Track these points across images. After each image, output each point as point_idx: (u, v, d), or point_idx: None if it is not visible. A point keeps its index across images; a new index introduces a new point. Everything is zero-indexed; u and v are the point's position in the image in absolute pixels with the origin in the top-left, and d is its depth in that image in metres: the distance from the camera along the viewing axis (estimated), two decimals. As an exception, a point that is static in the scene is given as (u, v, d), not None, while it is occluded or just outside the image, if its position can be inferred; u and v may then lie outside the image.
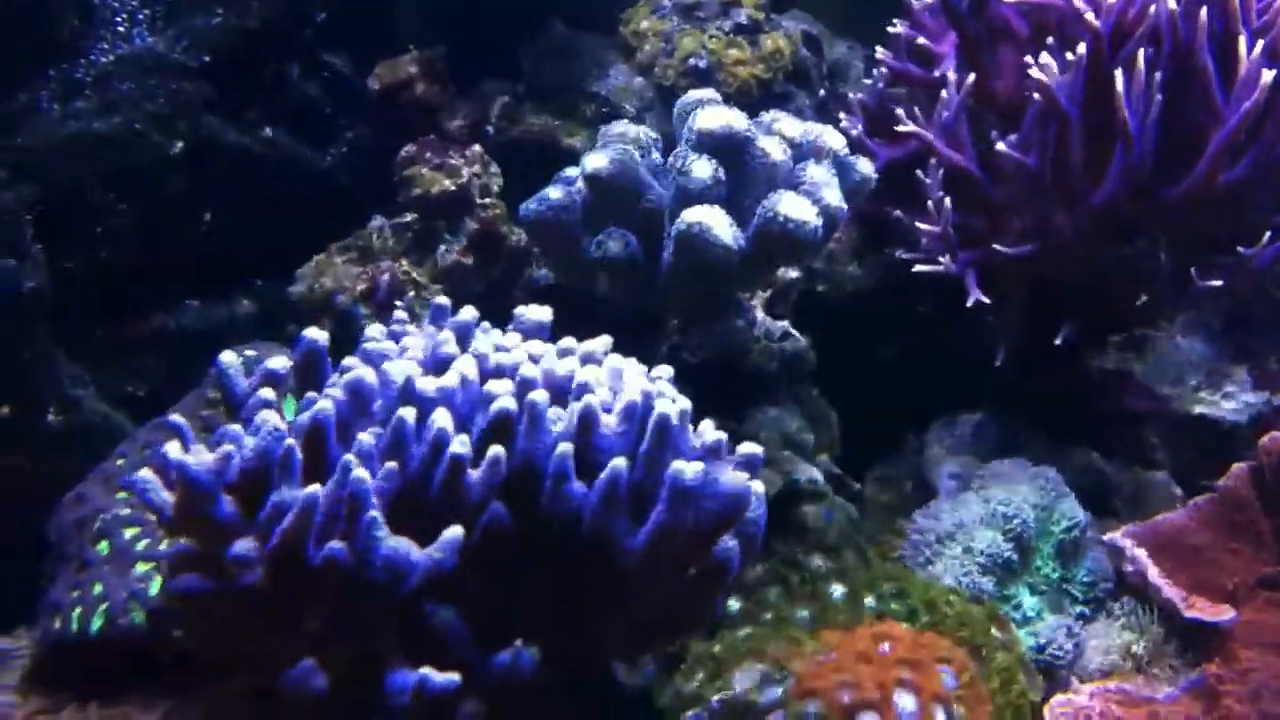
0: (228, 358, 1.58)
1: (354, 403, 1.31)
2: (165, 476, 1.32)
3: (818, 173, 1.83)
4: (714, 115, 1.80)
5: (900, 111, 2.15)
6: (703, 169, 1.77)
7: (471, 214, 2.17)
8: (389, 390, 1.32)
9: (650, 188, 1.83)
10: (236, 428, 1.33)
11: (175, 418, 1.54)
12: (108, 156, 2.14)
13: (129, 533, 1.84)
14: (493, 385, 1.32)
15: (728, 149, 1.80)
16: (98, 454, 2.15)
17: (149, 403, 2.34)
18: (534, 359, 1.37)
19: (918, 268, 2.12)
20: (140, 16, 2.32)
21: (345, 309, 2.11)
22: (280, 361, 1.58)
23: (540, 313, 1.54)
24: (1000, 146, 2.12)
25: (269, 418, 1.27)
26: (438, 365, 1.37)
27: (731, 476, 1.34)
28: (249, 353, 2.08)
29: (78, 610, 1.77)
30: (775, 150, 1.81)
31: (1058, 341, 2.09)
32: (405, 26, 2.69)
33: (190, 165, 2.29)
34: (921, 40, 2.35)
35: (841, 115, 2.33)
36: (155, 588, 1.75)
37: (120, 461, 2.01)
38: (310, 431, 1.27)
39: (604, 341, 1.44)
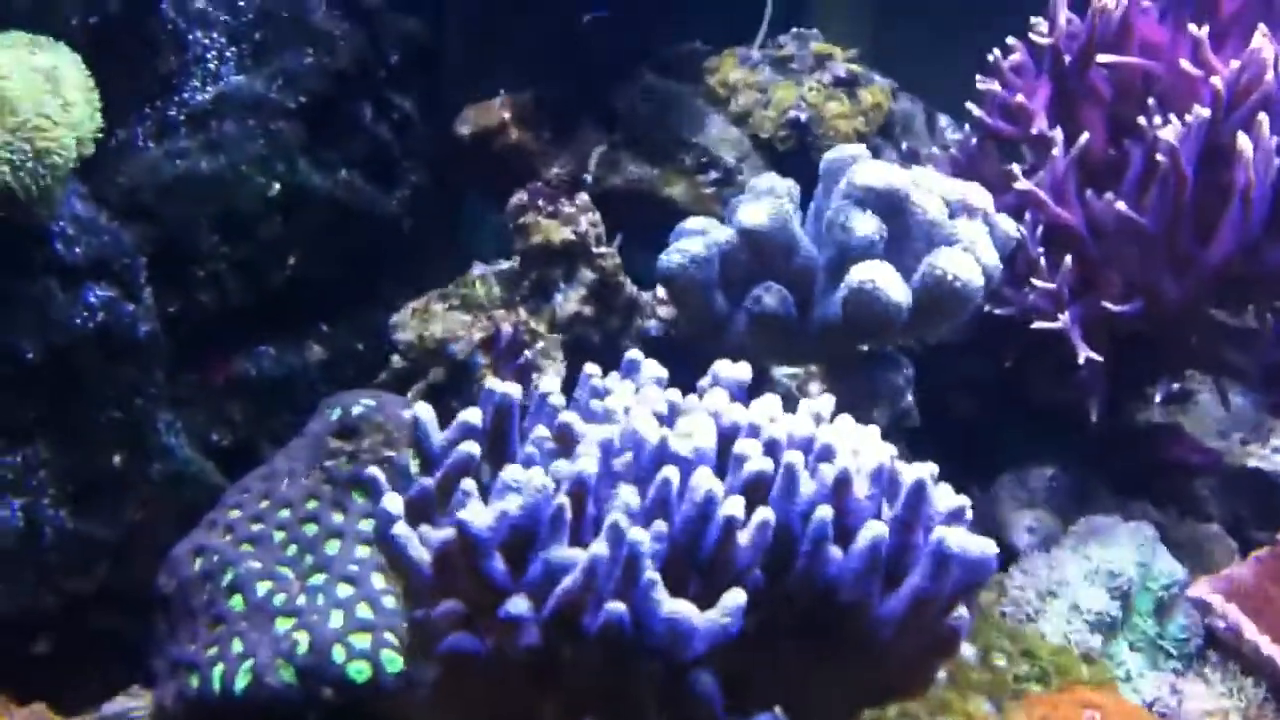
0: (423, 411, 1.53)
1: (604, 462, 1.26)
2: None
3: (972, 230, 1.82)
4: (875, 171, 1.79)
5: (1014, 167, 2.17)
6: (867, 225, 1.75)
7: (589, 263, 2.13)
8: (640, 450, 1.28)
9: (802, 242, 1.81)
10: (469, 484, 1.28)
11: (372, 471, 1.49)
12: (215, 198, 2.07)
13: (263, 587, 1.79)
14: (743, 446, 1.28)
15: (887, 205, 1.79)
16: (192, 504, 2.08)
17: (235, 451, 2.27)
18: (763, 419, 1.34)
19: (1037, 325, 2.12)
20: (229, 54, 2.26)
21: (462, 358, 2.05)
22: (474, 415, 1.53)
23: (740, 371, 1.50)
24: (1120, 206, 2.13)
25: (534, 476, 1.22)
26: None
27: (979, 542, 1.31)
28: (367, 401, 2.02)
29: (219, 668, 1.71)
30: (932, 207, 1.80)
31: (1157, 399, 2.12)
32: (473, 68, 2.65)
33: (283, 208, 2.22)
34: (1017, 98, 2.36)
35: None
36: (304, 646, 1.69)
37: (235, 513, 1.94)
38: (573, 490, 1.22)
39: (827, 402, 1.41)
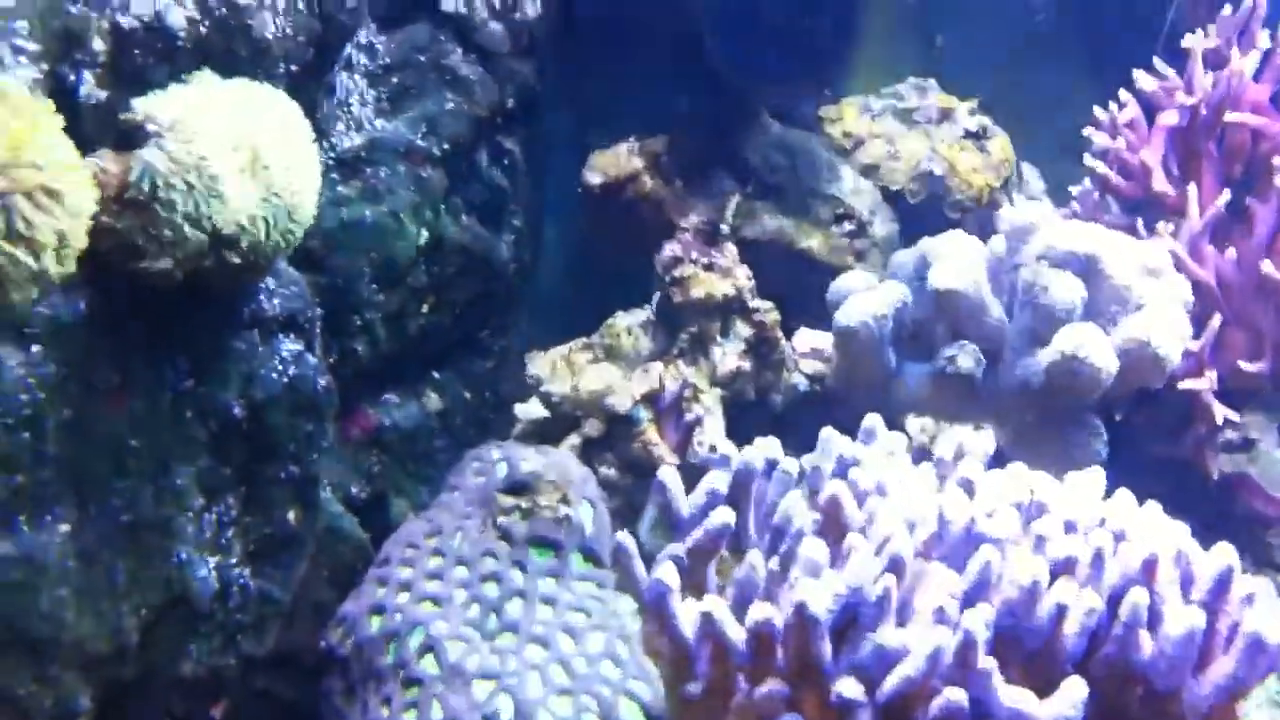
0: (668, 475, 1.52)
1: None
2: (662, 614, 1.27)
3: (1159, 292, 1.83)
4: (1071, 233, 1.79)
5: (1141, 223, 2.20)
6: (1069, 289, 1.76)
7: (745, 317, 2.12)
8: (945, 529, 1.27)
9: (991, 302, 1.81)
10: (759, 567, 1.26)
11: (623, 538, 1.48)
12: (378, 246, 2.03)
13: (455, 649, 1.75)
14: (1044, 527, 1.27)
15: (1082, 267, 1.79)
16: (339, 560, 2.05)
17: (367, 506, 2.23)
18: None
19: (1186, 384, 2.13)
20: (369, 98, 2.23)
21: (622, 412, 2.03)
22: (721, 480, 1.52)
23: (986, 441, 1.50)
24: (1267, 266, 2.15)
25: (865, 552, 1.20)
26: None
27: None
28: (536, 457, 2.00)
29: (421, 733, 1.66)
30: (1122, 270, 1.81)
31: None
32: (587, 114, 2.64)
33: (427, 256, 2.19)
34: (1141, 155, 2.39)
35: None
36: (508, 712, 1.67)
37: (406, 571, 1.92)
38: (890, 570, 1.21)
39: (1098, 476, 1.41)
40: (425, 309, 2.28)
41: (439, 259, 2.27)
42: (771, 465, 1.54)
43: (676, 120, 2.48)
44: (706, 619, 1.23)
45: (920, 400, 1.92)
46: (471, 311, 2.40)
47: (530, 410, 2.31)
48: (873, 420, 1.52)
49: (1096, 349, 1.70)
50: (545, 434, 2.22)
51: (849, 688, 1.18)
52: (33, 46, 1.25)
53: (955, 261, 1.81)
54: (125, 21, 1.41)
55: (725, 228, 2.32)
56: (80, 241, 1.17)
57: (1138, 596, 1.24)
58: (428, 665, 1.75)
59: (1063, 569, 1.26)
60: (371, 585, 1.91)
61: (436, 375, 2.40)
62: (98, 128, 1.43)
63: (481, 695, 1.71)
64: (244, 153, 1.45)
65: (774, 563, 1.37)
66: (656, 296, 2.63)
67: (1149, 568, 1.27)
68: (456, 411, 2.41)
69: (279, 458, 1.80)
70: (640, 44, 2.53)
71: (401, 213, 2.12)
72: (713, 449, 2.05)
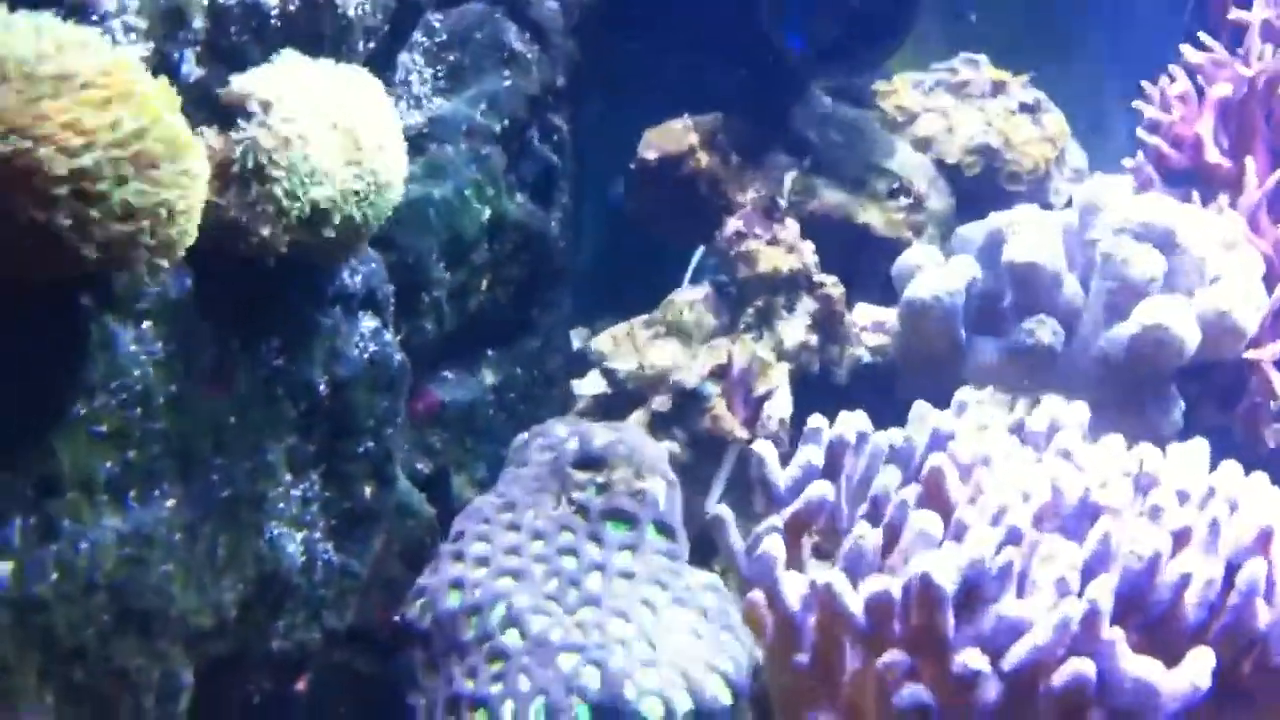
0: (765, 449, 1.52)
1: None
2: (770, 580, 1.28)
3: (1234, 264, 1.83)
4: (1151, 207, 1.79)
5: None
6: (1149, 261, 1.76)
7: (810, 291, 2.12)
8: (1059, 500, 1.27)
9: (1067, 275, 1.81)
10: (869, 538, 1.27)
11: (720, 511, 1.49)
12: (446, 225, 2.03)
13: (538, 623, 1.76)
14: (1159, 498, 1.28)
15: (1160, 240, 1.79)
16: (409, 535, 2.05)
17: (429, 482, 2.23)
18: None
19: (1250, 355, 2.13)
20: (427, 76, 2.23)
21: (691, 387, 2.03)
22: (816, 455, 1.52)
23: (1080, 412, 1.50)
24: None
25: (982, 524, 1.20)
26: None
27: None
28: (607, 432, 2.00)
29: (509, 705, 1.69)
30: (1197, 243, 1.81)
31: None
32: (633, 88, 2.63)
33: (489, 234, 2.19)
34: (1197, 127, 2.39)
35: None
36: (596, 683, 1.68)
37: (482, 545, 1.92)
38: (1008, 542, 1.21)
39: (1202, 447, 1.41)
40: (484, 286, 2.28)
41: (498, 237, 2.26)
42: (863, 438, 1.55)
43: (724, 96, 2.47)
44: (827, 590, 1.24)
45: (990, 374, 1.92)
46: (524, 289, 2.40)
47: (586, 386, 2.31)
48: (964, 394, 1.52)
49: (1180, 321, 1.71)
50: (608, 410, 2.22)
51: (974, 659, 1.18)
52: (142, 24, 1.25)
53: (1033, 236, 1.82)
54: (223, -2, 1.40)
55: (783, 202, 2.32)
56: (199, 217, 1.17)
57: (1255, 567, 1.25)
58: (511, 638, 1.76)
59: (1178, 539, 1.26)
60: (448, 560, 1.91)
61: (490, 353, 2.40)
62: (195, 105, 1.42)
63: (567, 667, 1.72)
64: (339, 131, 1.44)
65: (876, 535, 1.38)
66: (690, 266, 2.65)
67: (1265, 538, 1.27)
68: (510, 388, 2.41)
69: (358, 434, 1.80)
70: (682, 21, 2.52)
71: (466, 190, 2.11)
72: (782, 422, 2.05)
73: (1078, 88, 2.80)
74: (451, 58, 2.24)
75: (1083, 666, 1.16)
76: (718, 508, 1.49)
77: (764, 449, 1.50)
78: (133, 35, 1.22)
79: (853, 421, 1.54)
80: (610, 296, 2.63)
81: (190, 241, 1.15)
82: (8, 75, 0.99)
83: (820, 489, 1.44)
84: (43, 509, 1.18)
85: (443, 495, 2.25)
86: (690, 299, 2.20)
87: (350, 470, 1.80)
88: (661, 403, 2.07)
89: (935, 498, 1.40)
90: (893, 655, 1.21)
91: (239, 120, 1.39)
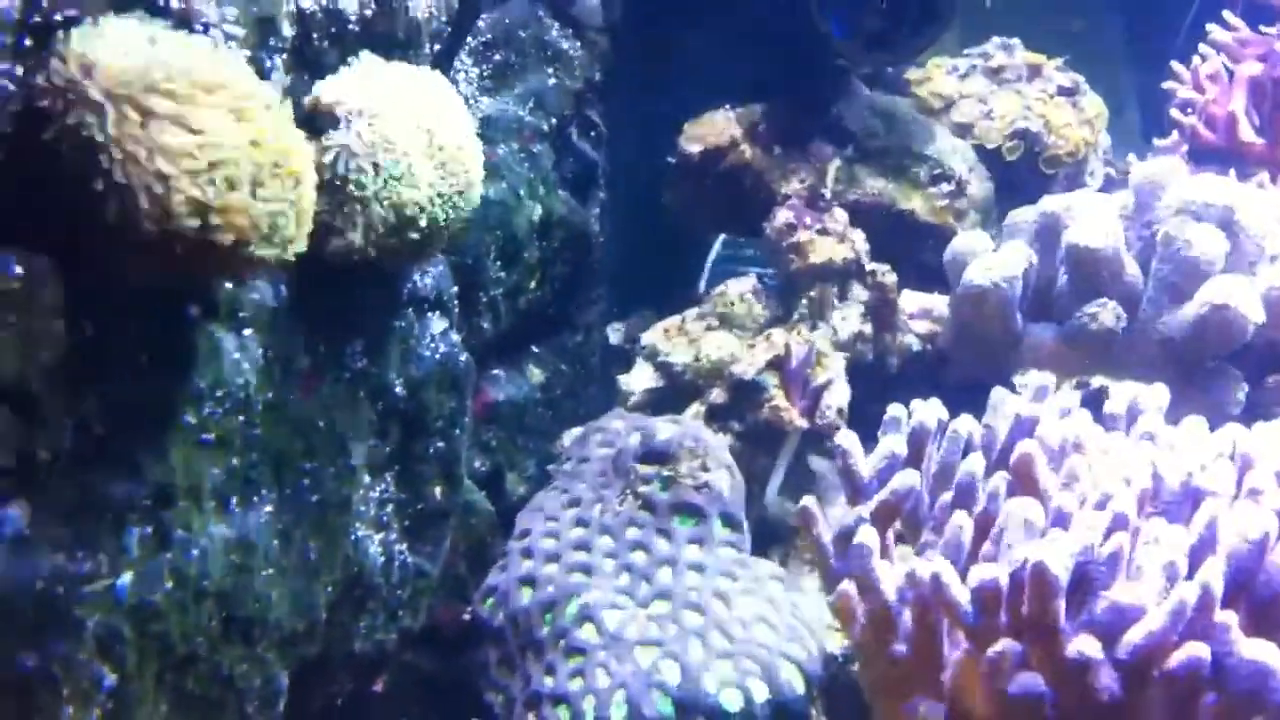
0: (847, 440, 1.53)
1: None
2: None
3: (1292, 245, 1.84)
4: (1210, 187, 1.80)
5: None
6: (1212, 243, 1.77)
7: (862, 280, 2.13)
8: (1160, 485, 1.28)
9: (1127, 257, 1.82)
10: (967, 528, 1.28)
11: (809, 502, 1.49)
12: (501, 224, 2.04)
13: (612, 618, 1.77)
14: (1257, 479, 1.29)
15: (1220, 220, 1.80)
16: (472, 533, 2.07)
17: (492, 478, 2.24)
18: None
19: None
20: (472, 75, 2.23)
21: (748, 379, 2.04)
22: (899, 444, 1.53)
23: (1160, 395, 1.51)
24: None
25: (1099, 515, 1.22)
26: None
27: None
28: (669, 425, 2.01)
29: (589, 701, 1.70)
30: (1256, 222, 1.82)
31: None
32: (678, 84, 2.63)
33: (539, 232, 2.20)
34: (1231, 105, 2.40)
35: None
36: (675, 676, 1.69)
37: (550, 542, 1.94)
38: (1114, 528, 1.22)
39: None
40: (533, 284, 2.29)
41: (546, 234, 2.27)
42: (942, 426, 1.56)
43: (759, 86, 2.47)
44: (934, 580, 1.25)
45: (1045, 358, 1.93)
46: (567, 285, 2.41)
47: (635, 381, 2.31)
48: (1044, 378, 1.53)
49: (1245, 300, 1.72)
50: (661, 403, 2.23)
51: (1088, 645, 1.19)
52: (240, 32, 1.25)
53: (1094, 219, 1.83)
54: (307, 4, 1.40)
55: (827, 192, 2.33)
56: (310, 220, 1.18)
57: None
58: (588, 634, 1.77)
59: None
60: (517, 557, 1.92)
61: (535, 350, 2.41)
62: (282, 111, 1.42)
63: (646, 661, 1.72)
64: (422, 134, 1.45)
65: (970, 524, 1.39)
66: (709, 257, 2.65)
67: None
68: (555, 385, 2.42)
69: (428, 434, 1.81)
70: (716, 10, 2.53)
71: (520, 189, 2.12)
72: (840, 412, 2.06)
73: (1088, 71, 2.80)
74: (497, 56, 2.24)
75: (1198, 650, 1.17)
76: (806, 500, 1.50)
77: (847, 440, 1.51)
78: (233, 44, 1.22)
79: (932, 409, 1.55)
80: (632, 291, 2.64)
81: (303, 244, 1.15)
82: (158, 86, 1.00)
83: (908, 479, 1.45)
84: (158, 517, 1.19)
85: (497, 492, 2.26)
86: (740, 290, 2.20)
87: (422, 471, 1.81)
88: (718, 395, 2.08)
89: (1026, 484, 1.41)
90: (1005, 644, 1.22)
91: (328, 126, 1.39)
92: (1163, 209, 1.86)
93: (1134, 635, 1.19)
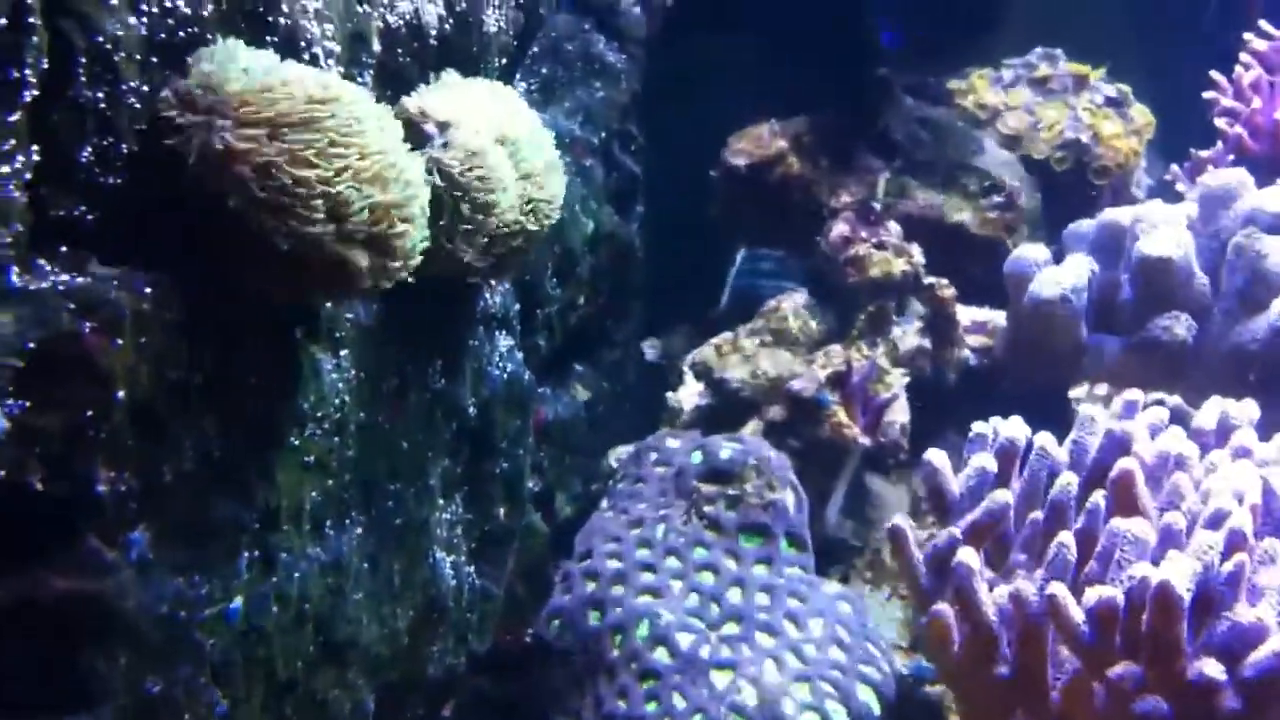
0: (937, 458, 1.51)
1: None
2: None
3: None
4: (1278, 197, 1.79)
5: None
6: (1289, 253, 1.75)
7: (920, 294, 2.11)
8: (1272, 500, 1.27)
9: (1197, 269, 1.81)
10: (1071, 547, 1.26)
11: (900, 521, 1.47)
12: (556, 240, 2.02)
13: (685, 640, 1.74)
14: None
15: (1295, 229, 1.79)
16: (529, 554, 2.04)
17: (543, 497, 2.22)
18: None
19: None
20: (520, 89, 2.21)
21: (806, 396, 2.02)
22: (987, 461, 1.51)
23: (1250, 409, 1.50)
24: None
25: (1214, 534, 1.20)
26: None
27: None
28: (732, 444, 1.99)
29: (667, 725, 1.66)
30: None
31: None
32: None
33: (591, 247, 2.18)
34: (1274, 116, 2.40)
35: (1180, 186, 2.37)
36: (753, 699, 1.67)
37: (615, 563, 1.90)
38: (1234, 547, 1.20)
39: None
40: (583, 300, 2.27)
41: (595, 249, 2.25)
42: (1029, 443, 1.54)
43: (801, 97, 2.45)
44: (1051, 601, 1.23)
45: (1110, 371, 1.91)
46: (610, 301, 2.39)
47: (684, 398, 2.29)
48: (1134, 394, 1.51)
49: (1328, 311, 1.71)
50: (712, 420, 2.20)
51: (1211, 667, 1.18)
52: (337, 49, 1.23)
53: (1167, 229, 1.81)
54: (393, 20, 1.38)
55: (877, 205, 2.31)
56: (423, 229, 1.15)
57: None
58: (661, 656, 1.74)
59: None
60: (580, 579, 1.90)
61: (578, 367, 2.38)
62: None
63: (722, 684, 1.70)
64: (508, 146, 1.43)
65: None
66: (731, 272, 2.63)
67: None
68: (599, 402, 2.40)
69: (495, 454, 1.79)
70: (757, 21, 2.51)
71: (576, 205, 2.10)
72: (902, 428, 2.04)
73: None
74: (544, 70, 2.22)
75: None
76: (897, 518, 1.48)
77: (936, 457, 1.49)
78: (331, 61, 1.20)
79: (1018, 426, 1.53)
80: (659, 306, 2.62)
81: (417, 256, 1.13)
82: (281, 104, 0.97)
83: (1003, 496, 1.43)
84: (264, 540, 1.16)
85: (547, 512, 2.24)
86: (793, 305, 2.18)
87: (489, 491, 1.79)
88: (776, 412, 2.06)
89: (1124, 502, 1.39)
90: (1126, 667, 1.20)
91: (416, 140, 1.37)
92: (1231, 220, 1.85)
93: (1259, 656, 1.17)
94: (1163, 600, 1.16)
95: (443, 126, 1.36)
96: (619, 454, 2.21)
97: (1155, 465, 1.42)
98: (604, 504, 2.03)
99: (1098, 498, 1.38)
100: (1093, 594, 1.22)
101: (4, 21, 0.79)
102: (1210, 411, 1.51)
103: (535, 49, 2.23)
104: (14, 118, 0.84)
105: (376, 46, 1.34)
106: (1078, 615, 1.23)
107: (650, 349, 2.57)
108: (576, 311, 2.22)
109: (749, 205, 2.36)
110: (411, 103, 1.37)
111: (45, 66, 0.86)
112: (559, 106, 2.21)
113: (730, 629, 1.77)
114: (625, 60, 2.33)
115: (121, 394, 0.89)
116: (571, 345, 2.29)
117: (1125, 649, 1.23)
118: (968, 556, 1.35)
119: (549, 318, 2.09)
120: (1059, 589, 1.23)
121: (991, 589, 1.34)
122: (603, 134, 2.22)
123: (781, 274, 2.54)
